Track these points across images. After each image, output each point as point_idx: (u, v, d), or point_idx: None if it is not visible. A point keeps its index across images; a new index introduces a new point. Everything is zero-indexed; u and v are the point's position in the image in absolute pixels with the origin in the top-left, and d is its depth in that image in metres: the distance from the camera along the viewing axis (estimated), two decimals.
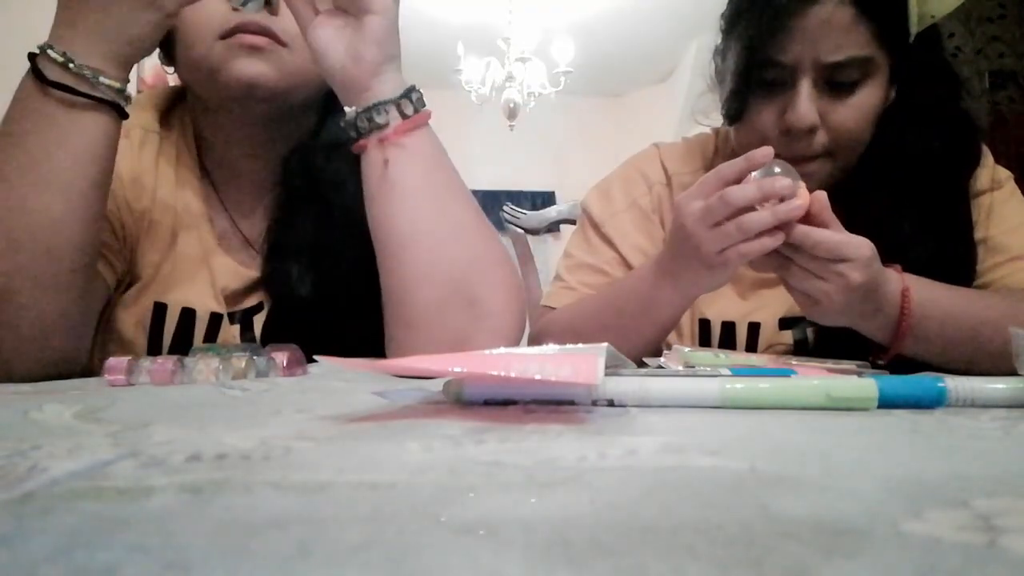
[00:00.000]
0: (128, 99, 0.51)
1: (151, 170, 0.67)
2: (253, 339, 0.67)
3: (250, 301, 0.68)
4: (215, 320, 0.66)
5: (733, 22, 0.70)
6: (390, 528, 0.15)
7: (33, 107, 0.48)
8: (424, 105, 0.54)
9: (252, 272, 0.68)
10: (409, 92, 0.53)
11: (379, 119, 0.52)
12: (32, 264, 0.48)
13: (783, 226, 0.56)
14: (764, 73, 0.66)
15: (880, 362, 0.63)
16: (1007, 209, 0.73)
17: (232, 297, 0.67)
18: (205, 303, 0.66)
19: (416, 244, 0.53)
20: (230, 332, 0.67)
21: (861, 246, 0.56)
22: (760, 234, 0.56)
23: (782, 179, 0.56)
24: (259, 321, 0.67)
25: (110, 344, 0.64)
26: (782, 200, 0.55)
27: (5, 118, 0.49)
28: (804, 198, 0.56)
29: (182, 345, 0.65)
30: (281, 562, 0.13)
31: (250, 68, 0.58)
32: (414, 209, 0.53)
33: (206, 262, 0.67)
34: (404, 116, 0.52)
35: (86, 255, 0.52)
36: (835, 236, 0.55)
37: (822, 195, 0.57)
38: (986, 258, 0.71)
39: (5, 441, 0.25)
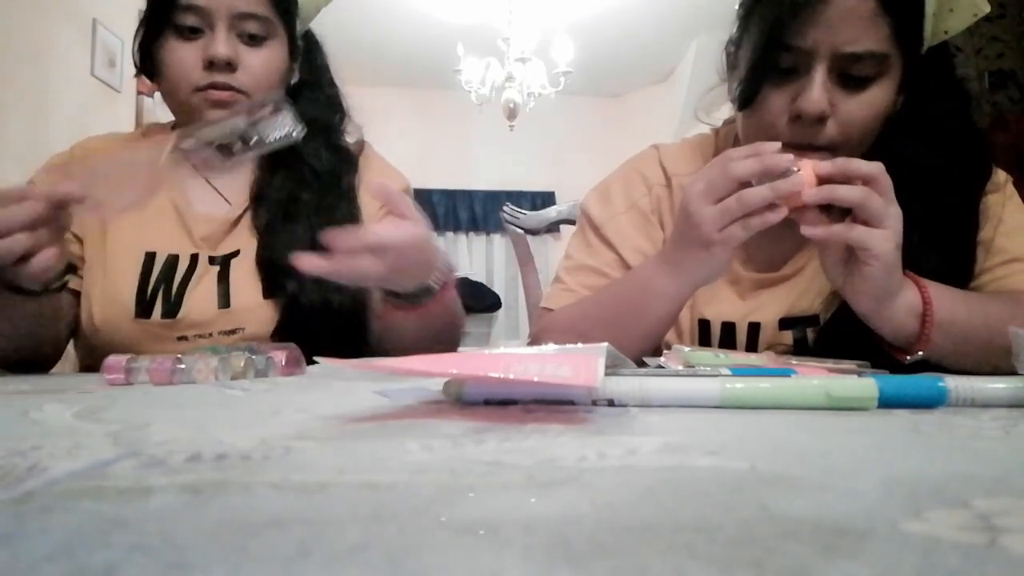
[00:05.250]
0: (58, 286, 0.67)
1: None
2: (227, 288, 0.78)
3: (225, 248, 0.79)
4: (193, 261, 0.77)
5: (752, 7, 0.70)
6: (390, 528, 0.15)
7: None
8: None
9: (229, 214, 0.80)
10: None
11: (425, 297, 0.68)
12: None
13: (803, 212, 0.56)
14: (780, 59, 0.66)
15: (908, 359, 0.62)
16: (1006, 211, 0.73)
17: (208, 240, 0.79)
18: (181, 247, 0.77)
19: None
20: (209, 272, 0.77)
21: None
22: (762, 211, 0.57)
23: (783, 155, 0.57)
24: (237, 265, 0.78)
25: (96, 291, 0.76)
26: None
27: None
28: (808, 176, 0.56)
29: (166, 282, 0.76)
30: (281, 562, 0.13)
31: (217, 116, 0.73)
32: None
33: (176, 210, 0.79)
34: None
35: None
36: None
37: (821, 163, 0.57)
38: (984, 259, 0.71)
39: (5, 441, 0.25)
